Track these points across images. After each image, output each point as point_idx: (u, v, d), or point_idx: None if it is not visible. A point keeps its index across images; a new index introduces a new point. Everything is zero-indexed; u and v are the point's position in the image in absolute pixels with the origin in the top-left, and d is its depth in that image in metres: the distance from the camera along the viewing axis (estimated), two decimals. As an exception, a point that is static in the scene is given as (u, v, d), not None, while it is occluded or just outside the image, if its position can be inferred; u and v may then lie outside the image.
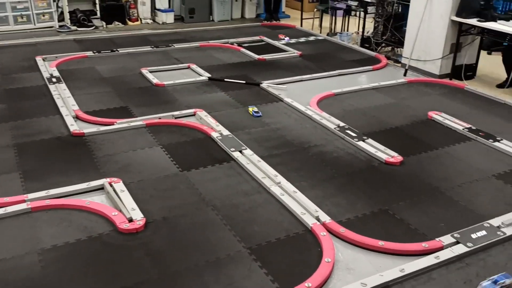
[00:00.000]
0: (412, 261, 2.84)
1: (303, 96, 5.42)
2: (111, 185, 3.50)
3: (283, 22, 9.70)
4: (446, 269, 2.81)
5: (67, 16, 8.68)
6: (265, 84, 5.77)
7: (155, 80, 5.81)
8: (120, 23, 9.05)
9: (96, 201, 3.38)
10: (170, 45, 7.39)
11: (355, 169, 3.95)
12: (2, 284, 2.63)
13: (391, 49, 7.76)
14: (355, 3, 8.24)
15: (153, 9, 9.50)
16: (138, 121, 4.65)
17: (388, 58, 7.21)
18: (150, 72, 6.12)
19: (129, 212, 3.21)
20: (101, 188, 3.54)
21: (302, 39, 8.08)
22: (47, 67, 6.20)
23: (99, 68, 6.29)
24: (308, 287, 2.60)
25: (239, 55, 7.11)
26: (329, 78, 6.21)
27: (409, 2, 6.80)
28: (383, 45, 7.80)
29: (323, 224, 3.16)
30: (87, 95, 5.36)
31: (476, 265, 2.84)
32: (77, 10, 8.75)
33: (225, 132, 4.46)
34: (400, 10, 7.66)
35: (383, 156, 4.09)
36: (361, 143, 4.33)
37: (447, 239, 3.02)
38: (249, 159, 3.98)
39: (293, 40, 7.96)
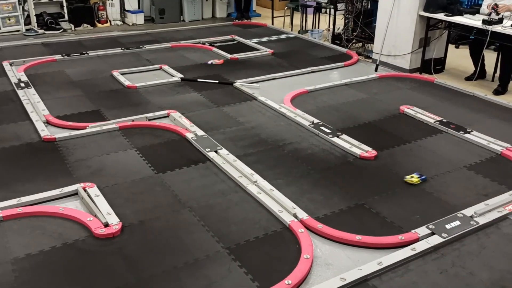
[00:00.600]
0: (389, 253, 2.88)
1: (276, 94, 5.43)
2: (85, 190, 3.44)
3: (254, 20, 9.70)
4: (423, 260, 2.86)
5: (33, 19, 8.47)
6: (238, 83, 5.77)
7: (126, 82, 5.73)
8: (89, 26, 8.89)
9: (70, 207, 3.32)
10: (141, 46, 7.31)
11: (330, 165, 3.98)
12: (-26, 296, 2.55)
13: (362, 45, 7.86)
14: (325, 0, 8.30)
15: (123, 10, 9.36)
16: (111, 124, 4.57)
17: (359, 54, 7.29)
18: (122, 74, 6.03)
19: (104, 217, 3.15)
20: (75, 193, 3.47)
21: (274, 37, 8.10)
22: (15, 72, 6.04)
23: (68, 72, 6.17)
24: (288, 284, 2.60)
25: (211, 54, 7.08)
26: (301, 75, 6.24)
27: (377, -2, 6.90)
28: (354, 41, 7.88)
29: (301, 221, 3.17)
30: (58, 100, 5.25)
31: (451, 255, 2.90)
32: (44, 13, 8.55)
33: (200, 132, 4.44)
34: (369, 7, 7.77)
35: (358, 151, 4.14)
36: (335, 139, 4.37)
37: (422, 230, 3.07)
38: (225, 159, 3.97)
39: (264, 39, 7.97)
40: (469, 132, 4.50)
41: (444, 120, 4.75)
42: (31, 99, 5.17)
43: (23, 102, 5.09)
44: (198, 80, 5.90)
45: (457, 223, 3.13)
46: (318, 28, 8.91)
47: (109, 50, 7.07)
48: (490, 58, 6.57)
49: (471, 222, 3.15)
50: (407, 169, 3.89)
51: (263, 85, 5.79)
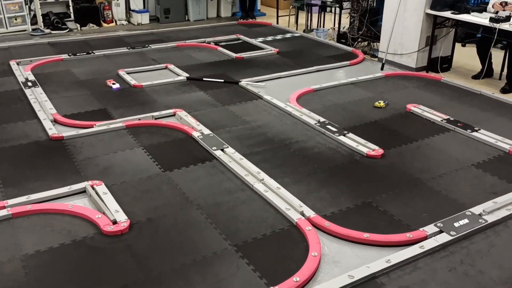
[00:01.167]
0: (398, 251, 2.87)
1: (282, 93, 5.43)
2: (93, 188, 3.45)
3: (259, 20, 9.70)
4: (431, 258, 2.85)
5: (40, 19, 8.51)
6: (243, 82, 5.77)
7: (133, 82, 5.75)
8: (94, 25, 8.92)
9: (79, 204, 3.33)
10: (146, 46, 7.32)
11: (337, 164, 3.98)
12: (-16, 293, 2.57)
13: (368, 44, 7.83)
14: (331, -1, 8.30)
15: (128, 10, 9.39)
16: (117, 123, 4.59)
17: (364, 53, 7.28)
18: (128, 73, 6.05)
19: (112, 214, 3.16)
20: (83, 191, 3.49)
21: (279, 37, 8.10)
22: (22, 71, 6.08)
23: (75, 71, 6.19)
24: (296, 282, 2.60)
25: (216, 54, 7.09)
26: (307, 74, 6.24)
27: (383, -4, 6.88)
28: (359, 40, 7.86)
29: (308, 219, 3.17)
30: (65, 99, 5.27)
31: (460, 253, 2.89)
32: (50, 13, 8.58)
33: (206, 131, 4.44)
34: (375, 5, 7.74)
35: (364, 150, 4.13)
36: (342, 138, 4.36)
37: (430, 228, 3.06)
38: (231, 157, 3.97)
39: (270, 38, 7.97)
40: (476, 131, 4.48)
41: (452, 119, 4.74)
42: (38, 98, 5.19)
43: (31, 101, 5.12)
44: (204, 79, 5.90)
45: (466, 221, 3.12)
46: (323, 27, 8.91)
47: (115, 50, 7.09)
48: (498, 56, 6.54)
49: (480, 220, 3.13)
50: (415, 168, 3.89)
51: (269, 84, 5.79)
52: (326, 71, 6.37)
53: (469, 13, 6.14)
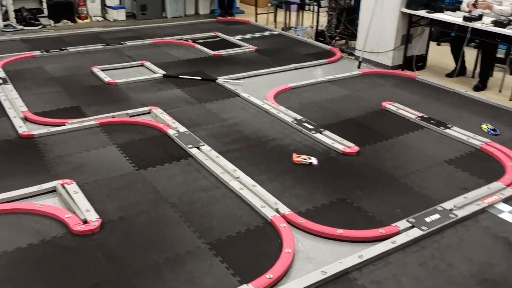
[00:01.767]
0: (370, 247, 2.89)
1: (259, 91, 5.42)
2: (63, 187, 3.38)
3: (237, 17, 9.67)
4: (403, 252, 2.88)
5: (12, 15, 8.31)
6: (221, 80, 5.74)
7: (107, 79, 5.66)
8: (69, 21, 8.74)
9: (49, 204, 3.25)
10: (122, 42, 7.22)
11: (313, 161, 3.99)
12: None
13: (345, 42, 7.88)
14: (309, -3, 8.33)
15: (103, 6, 9.23)
16: (91, 121, 4.51)
17: (342, 51, 7.32)
18: (102, 70, 5.95)
19: (83, 213, 3.10)
20: (53, 190, 3.41)
21: (257, 34, 8.08)
22: (-8, 68, 5.93)
23: (48, 68, 6.07)
24: (270, 278, 2.59)
25: (194, 51, 7.03)
26: (285, 72, 6.24)
27: (361, -5, 6.92)
28: (337, 38, 7.91)
29: (283, 216, 3.16)
30: (36, 96, 5.15)
31: (431, 248, 2.92)
32: (22, 9, 8.39)
33: (182, 129, 4.40)
34: (352, 4, 7.79)
35: (340, 147, 4.14)
36: (318, 135, 4.37)
37: (402, 224, 3.09)
38: (207, 155, 3.94)
39: (248, 35, 7.95)
40: (449, 128, 4.54)
41: (426, 116, 4.79)
42: (8, 95, 5.06)
43: (1, 98, 4.99)
44: (181, 76, 5.85)
45: (437, 216, 3.16)
46: (302, 25, 8.92)
47: (89, 46, 6.97)
48: (471, 55, 6.65)
49: (450, 215, 3.17)
50: (389, 165, 3.92)
51: (246, 82, 5.77)
52: (304, 69, 6.38)
53: (443, 12, 6.23)
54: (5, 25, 8.23)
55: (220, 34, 7.91)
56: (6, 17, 8.39)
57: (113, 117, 4.61)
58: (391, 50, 6.58)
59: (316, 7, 8.30)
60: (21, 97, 5.01)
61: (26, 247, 2.85)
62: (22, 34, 7.87)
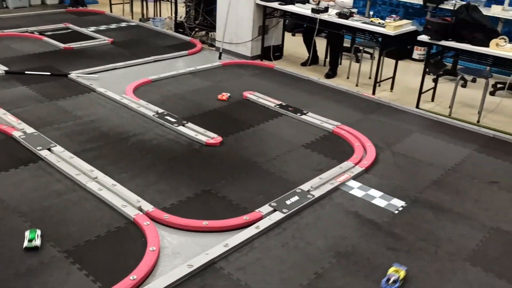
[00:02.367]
0: (235, 235, 2.93)
1: (117, 85, 5.17)
2: None
3: (90, 8, 9.11)
4: (266, 236, 2.97)
5: None
6: (73, 75, 5.35)
7: None
8: None
9: None
10: (-47, 35, 6.35)
11: (176, 154, 3.92)
12: None
13: (205, 33, 7.90)
14: (165, -12, 8.16)
15: None
16: None
17: (203, 42, 7.32)
18: None
19: None
20: None
21: (113, 26, 7.70)
22: None
23: None
24: (133, 280, 2.48)
25: (41, 44, 6.46)
26: (144, 64, 6.04)
27: (216, -14, 6.97)
28: (197, 29, 7.88)
29: (146, 213, 3.06)
30: None
31: (291, 228, 3.06)
32: None
33: (29, 130, 4.01)
34: (209, -5, 7.82)
35: (203, 139, 4.14)
36: (181, 128, 4.31)
37: (265, 209, 3.19)
38: (60, 157, 3.64)
39: (103, 27, 7.54)
40: (305, 114, 4.81)
41: (284, 104, 5.01)
42: None
43: None
44: (26, 72, 5.32)
45: (296, 198, 3.32)
46: (160, 16, 8.73)
47: None
48: (322, 44, 7.13)
49: (308, 196, 3.36)
50: (252, 152, 4.02)
51: (103, 76, 5.46)
52: (164, 61, 6.24)
53: (294, 4, 6.57)
54: None
55: (71, 26, 7.38)
56: None
57: None
58: (249, 41, 6.76)
59: (173, -2, 8.18)
60: None
61: None
62: None
